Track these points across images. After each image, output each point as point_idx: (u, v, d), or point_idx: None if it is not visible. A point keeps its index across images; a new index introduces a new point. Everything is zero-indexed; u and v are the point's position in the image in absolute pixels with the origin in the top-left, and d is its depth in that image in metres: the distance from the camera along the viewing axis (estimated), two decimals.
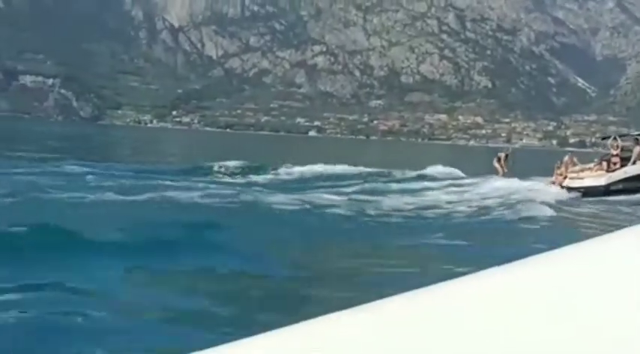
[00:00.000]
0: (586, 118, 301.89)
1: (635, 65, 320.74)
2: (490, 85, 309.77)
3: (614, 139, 24.30)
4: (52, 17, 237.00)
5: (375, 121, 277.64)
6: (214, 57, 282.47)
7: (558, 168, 23.56)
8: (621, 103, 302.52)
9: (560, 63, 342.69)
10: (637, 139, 23.11)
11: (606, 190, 21.30)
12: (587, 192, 21.36)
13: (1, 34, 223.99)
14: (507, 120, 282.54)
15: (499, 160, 26.28)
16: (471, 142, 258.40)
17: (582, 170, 23.15)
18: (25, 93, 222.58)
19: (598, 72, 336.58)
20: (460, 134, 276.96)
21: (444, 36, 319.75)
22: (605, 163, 22.79)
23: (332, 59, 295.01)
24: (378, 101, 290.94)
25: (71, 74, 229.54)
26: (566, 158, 24.11)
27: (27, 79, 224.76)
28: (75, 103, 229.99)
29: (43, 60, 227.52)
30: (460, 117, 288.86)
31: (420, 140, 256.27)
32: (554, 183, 22.88)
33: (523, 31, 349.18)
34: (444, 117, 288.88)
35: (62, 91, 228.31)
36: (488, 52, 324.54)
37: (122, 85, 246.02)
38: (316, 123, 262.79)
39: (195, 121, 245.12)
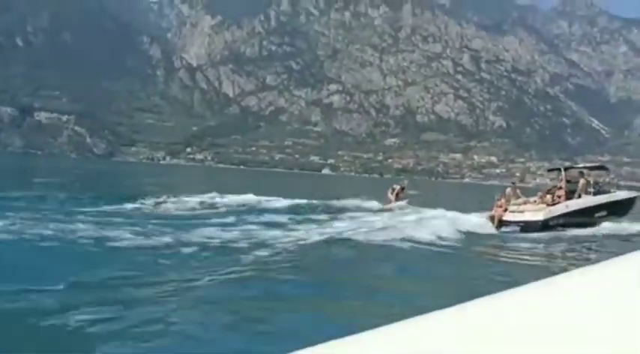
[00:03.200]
0: (600, 158, 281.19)
1: None
2: (505, 125, 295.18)
3: (559, 171, 21.33)
4: (69, 55, 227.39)
5: (390, 160, 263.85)
6: (231, 95, 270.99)
7: (499, 200, 19.69)
8: (635, 143, 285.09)
9: (574, 104, 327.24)
10: (581, 172, 20.67)
11: (544, 225, 18.05)
12: (525, 227, 18.07)
13: (18, 71, 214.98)
14: (522, 159, 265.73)
15: (393, 191, 24.05)
16: (489, 182, 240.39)
17: (525, 203, 19.68)
18: (40, 129, 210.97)
19: (612, 113, 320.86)
20: (475, 173, 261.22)
21: (459, 76, 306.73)
22: (549, 197, 19.71)
23: (348, 98, 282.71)
24: (393, 140, 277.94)
25: (86, 111, 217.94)
26: (508, 190, 20.45)
27: (42, 116, 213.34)
28: (89, 140, 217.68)
29: (58, 97, 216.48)
30: (475, 156, 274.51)
31: (433, 179, 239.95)
32: (492, 217, 18.84)
33: (537, 72, 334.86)
34: (458, 156, 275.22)
35: (76, 127, 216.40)
36: (503, 92, 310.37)
37: (137, 122, 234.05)
38: (330, 161, 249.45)
39: (209, 157, 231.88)
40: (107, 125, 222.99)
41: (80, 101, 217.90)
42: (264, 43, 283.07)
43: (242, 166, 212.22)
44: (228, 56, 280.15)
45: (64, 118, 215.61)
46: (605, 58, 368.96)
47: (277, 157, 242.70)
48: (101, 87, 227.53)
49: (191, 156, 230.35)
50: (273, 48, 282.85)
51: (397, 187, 23.97)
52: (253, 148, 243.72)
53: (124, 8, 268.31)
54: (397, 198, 23.29)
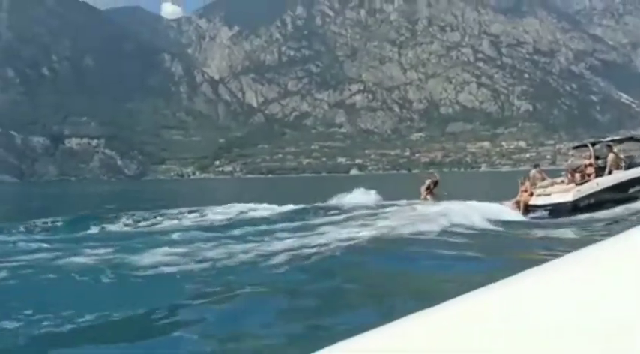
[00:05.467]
0: (632, 132, 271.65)
1: None
2: (531, 109, 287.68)
3: (586, 147, 18.93)
4: (94, 80, 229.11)
5: (417, 154, 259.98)
6: (254, 104, 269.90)
7: (522, 184, 17.67)
8: None
9: (601, 80, 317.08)
10: (609, 146, 18.46)
11: (574, 207, 16.19)
12: (554, 210, 16.15)
13: (46, 100, 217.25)
14: (551, 142, 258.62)
15: (427, 187, 20.70)
16: (520, 168, 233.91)
17: (552, 185, 17.68)
18: (72, 156, 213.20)
19: None
20: (504, 160, 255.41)
21: (480, 63, 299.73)
22: (578, 176, 17.60)
23: (370, 96, 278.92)
24: (419, 134, 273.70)
25: (115, 133, 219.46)
26: (532, 172, 18.36)
27: (73, 142, 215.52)
28: (120, 162, 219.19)
29: (87, 122, 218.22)
30: (503, 143, 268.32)
31: (462, 170, 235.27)
32: (518, 203, 17.11)
33: (561, 51, 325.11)
34: (486, 144, 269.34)
35: (106, 151, 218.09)
36: (527, 75, 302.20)
37: (165, 140, 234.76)
38: (358, 161, 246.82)
39: (237, 169, 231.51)
40: (136, 146, 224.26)
41: (108, 124, 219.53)
42: (283, 49, 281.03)
43: (270, 175, 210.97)
44: (249, 66, 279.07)
45: (94, 142, 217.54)
46: (630, 29, 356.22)
47: (305, 162, 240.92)
48: (126, 108, 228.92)
49: (220, 169, 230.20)
50: (292, 53, 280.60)
51: (428, 182, 21.29)
52: (280, 156, 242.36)
53: (143, 29, 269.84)
54: (430, 193, 20.74)
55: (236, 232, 12.22)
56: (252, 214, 17.24)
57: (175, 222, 16.01)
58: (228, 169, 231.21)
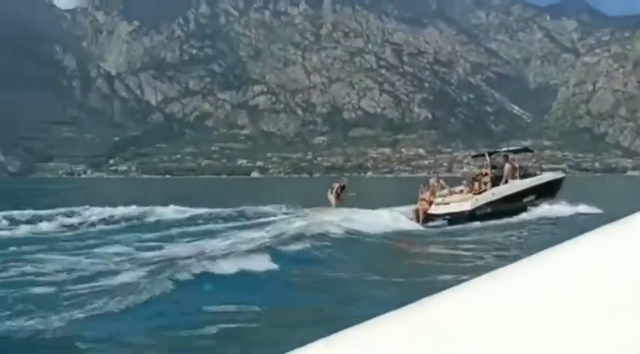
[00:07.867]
0: (523, 143, 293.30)
1: (565, 91, 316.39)
2: (430, 117, 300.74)
3: (484, 156, 20.50)
4: None
5: (319, 158, 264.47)
6: (153, 102, 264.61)
7: (422, 193, 18.66)
8: (554, 127, 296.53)
9: (496, 92, 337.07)
10: (506, 156, 19.77)
11: (472, 216, 17.10)
12: (453, 219, 17.11)
13: None
14: (449, 150, 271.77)
15: (332, 190, 20.60)
16: (417, 174, 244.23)
17: (451, 194, 18.58)
18: None
19: (532, 99, 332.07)
20: (403, 166, 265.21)
21: (383, 70, 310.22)
22: (476, 184, 18.87)
23: (273, 98, 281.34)
24: (322, 138, 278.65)
25: None
26: (431, 181, 19.39)
27: None
28: (2, 158, 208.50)
29: None
30: (403, 149, 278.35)
31: (362, 174, 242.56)
32: (417, 211, 17.92)
33: (459, 62, 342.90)
34: (387, 150, 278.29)
35: None
36: (427, 84, 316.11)
37: (54, 136, 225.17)
38: (259, 163, 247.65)
39: (133, 168, 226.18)
40: (19, 142, 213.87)
41: None
42: (185, 46, 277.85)
43: (168, 176, 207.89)
44: (149, 62, 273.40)
45: None
46: (523, 45, 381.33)
47: (204, 163, 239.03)
48: (10, 102, 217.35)
49: (114, 168, 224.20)
50: (194, 51, 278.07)
51: (336, 186, 20.69)
52: (179, 156, 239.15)
53: (28, 16, 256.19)
54: (338, 198, 20.29)
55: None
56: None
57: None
58: (123, 168, 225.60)
